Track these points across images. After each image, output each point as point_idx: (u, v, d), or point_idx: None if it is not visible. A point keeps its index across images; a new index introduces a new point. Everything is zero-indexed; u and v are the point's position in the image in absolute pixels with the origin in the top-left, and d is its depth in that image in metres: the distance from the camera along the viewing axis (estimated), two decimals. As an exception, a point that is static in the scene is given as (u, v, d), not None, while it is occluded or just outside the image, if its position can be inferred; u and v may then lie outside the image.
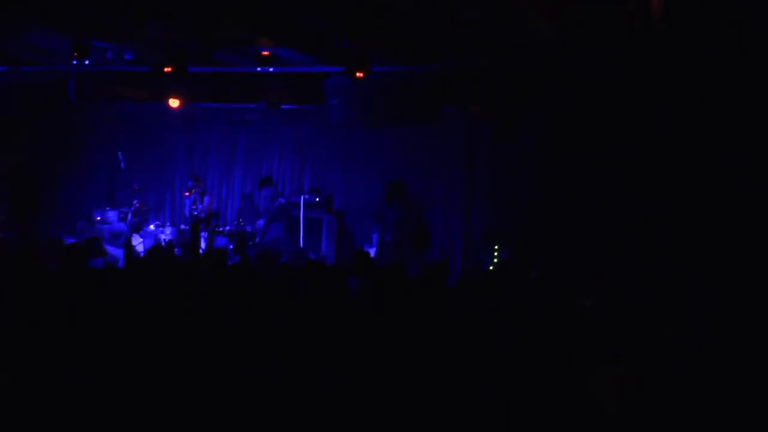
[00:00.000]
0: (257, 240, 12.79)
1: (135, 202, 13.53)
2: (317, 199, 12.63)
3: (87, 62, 11.27)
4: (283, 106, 12.56)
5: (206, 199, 13.18)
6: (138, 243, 12.75)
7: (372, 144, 12.80)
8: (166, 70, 11.15)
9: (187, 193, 13.19)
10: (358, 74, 10.52)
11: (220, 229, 12.95)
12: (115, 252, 11.55)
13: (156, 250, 9.50)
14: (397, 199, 11.57)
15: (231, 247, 12.63)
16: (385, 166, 12.45)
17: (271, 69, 11.29)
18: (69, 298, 6.11)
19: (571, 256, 10.14)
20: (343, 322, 5.98)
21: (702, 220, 8.48)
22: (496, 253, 11.58)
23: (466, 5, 8.42)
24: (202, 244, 12.69)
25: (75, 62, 11.27)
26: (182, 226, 13.20)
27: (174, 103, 12.36)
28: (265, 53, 10.91)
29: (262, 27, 9.94)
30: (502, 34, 9.27)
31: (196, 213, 12.98)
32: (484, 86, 10.95)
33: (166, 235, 13.03)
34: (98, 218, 13.54)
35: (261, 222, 12.95)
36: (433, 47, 10.28)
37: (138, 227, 13.22)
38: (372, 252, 11.57)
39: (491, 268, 11.60)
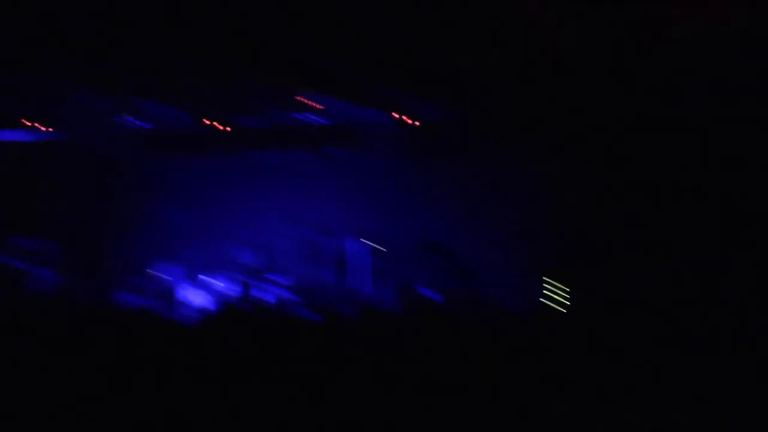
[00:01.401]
0: (311, 287, 12.83)
1: (188, 254, 13.66)
2: (364, 241, 12.66)
3: (135, 120, 11.49)
4: (329, 151, 12.64)
5: (257, 249, 13.25)
6: (195, 295, 12.88)
7: (413, 184, 12.79)
8: (213, 124, 11.31)
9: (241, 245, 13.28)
10: (404, 120, 10.60)
11: (277, 279, 13.04)
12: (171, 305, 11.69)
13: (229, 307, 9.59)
14: (432, 249, 11.58)
15: (286, 295, 12.71)
16: (432, 208, 12.44)
17: (317, 117, 11.39)
18: (136, 351, 6.20)
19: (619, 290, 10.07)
20: (398, 364, 5.97)
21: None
22: (545, 289, 11.52)
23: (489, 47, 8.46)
24: (257, 294, 12.81)
25: (124, 121, 11.50)
26: (237, 277, 13.26)
27: None
28: (311, 102, 11.03)
29: (303, 77, 10.06)
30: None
31: (249, 264, 13.08)
32: (528, 126, 10.96)
33: (221, 286, 13.10)
34: (156, 273, 13.67)
35: (314, 269, 12.99)
36: (467, 88, 10.33)
37: (194, 279, 13.36)
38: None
39: (541, 302, 11.54)
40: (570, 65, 8.98)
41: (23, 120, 12.68)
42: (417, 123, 10.92)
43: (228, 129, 11.43)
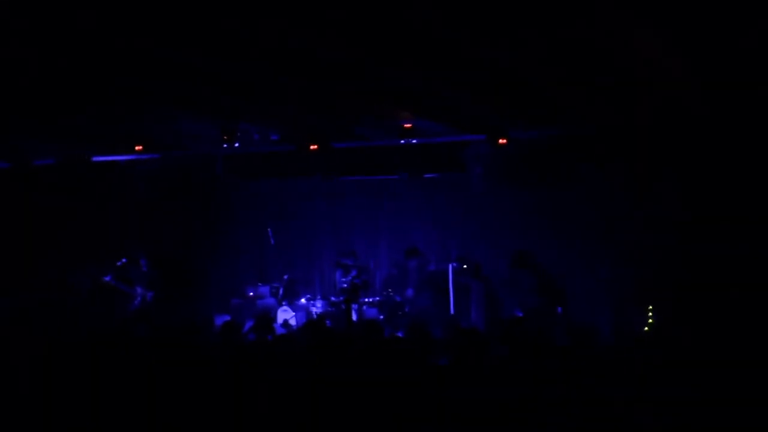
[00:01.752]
0: (406, 310, 12.82)
1: (285, 276, 13.83)
2: (464, 266, 12.55)
3: (236, 145, 11.68)
4: (424, 176, 12.62)
5: (353, 272, 13.31)
6: (290, 317, 12.99)
7: (514, 208, 12.71)
8: (311, 148, 11.43)
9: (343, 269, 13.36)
10: (500, 141, 10.51)
11: (369, 300, 13.06)
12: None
13: (309, 323, 9.61)
14: (525, 266, 11.39)
15: (381, 317, 12.70)
16: (528, 230, 12.32)
17: (413, 141, 11.41)
18: (235, 373, 6.25)
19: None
20: (494, 391, 5.88)
21: None
22: (650, 316, 11.27)
23: (598, 70, 8.33)
24: (354, 316, 12.84)
25: (225, 146, 11.69)
26: (332, 299, 13.34)
27: None
28: (407, 126, 11.05)
29: (402, 102, 10.07)
30: (635, 94, 9.12)
31: (345, 285, 13.14)
32: (622, 146, 10.79)
33: (317, 308, 13.20)
34: (251, 294, 13.85)
35: (410, 291, 12.99)
36: (571, 110, 10.20)
37: (290, 301, 13.49)
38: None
39: (646, 330, 11.28)
40: (665, 85, 8.80)
41: (126, 143, 13.00)
42: (513, 144, 10.85)
43: (327, 152, 11.52)
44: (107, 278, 12.67)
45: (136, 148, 12.98)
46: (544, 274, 11.20)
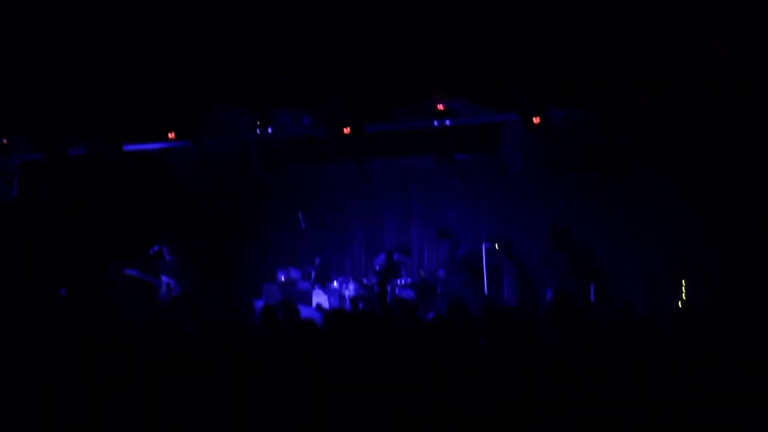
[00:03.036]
0: (439, 291, 12.86)
1: (317, 260, 13.88)
2: (497, 246, 12.57)
3: (269, 130, 11.73)
4: (457, 157, 12.64)
5: (388, 254, 13.34)
6: (323, 300, 13.05)
7: (547, 188, 12.69)
8: (344, 131, 11.46)
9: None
10: (534, 121, 10.52)
11: (402, 281, 13.09)
12: (303, 310, 11.80)
13: (333, 315, 9.64)
14: (563, 242, 11.40)
15: (415, 299, 12.73)
16: (562, 210, 12.31)
17: (446, 122, 11.42)
18: (269, 358, 6.27)
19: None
20: (537, 369, 5.89)
21: None
22: (683, 293, 11.28)
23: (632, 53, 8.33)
24: (387, 299, 12.89)
25: (257, 131, 11.74)
26: (365, 281, 13.39)
27: None
28: (440, 107, 11.06)
29: (436, 81, 10.10)
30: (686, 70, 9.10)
31: (378, 268, 13.18)
32: (660, 126, 10.76)
33: (350, 291, 13.24)
34: (282, 278, 13.89)
35: (441, 272, 13.02)
36: (606, 89, 10.20)
37: (322, 284, 13.54)
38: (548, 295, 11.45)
39: (679, 306, 11.30)
40: (709, 71, 8.79)
41: (159, 129, 13.07)
42: (548, 124, 10.83)
43: (359, 135, 11.55)
44: (133, 270, 12.74)
45: (169, 135, 13.05)
46: (581, 251, 11.21)
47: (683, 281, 11.34)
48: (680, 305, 11.33)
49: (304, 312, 11.55)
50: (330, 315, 9.12)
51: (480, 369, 6.00)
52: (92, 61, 9.25)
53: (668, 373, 5.62)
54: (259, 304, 12.11)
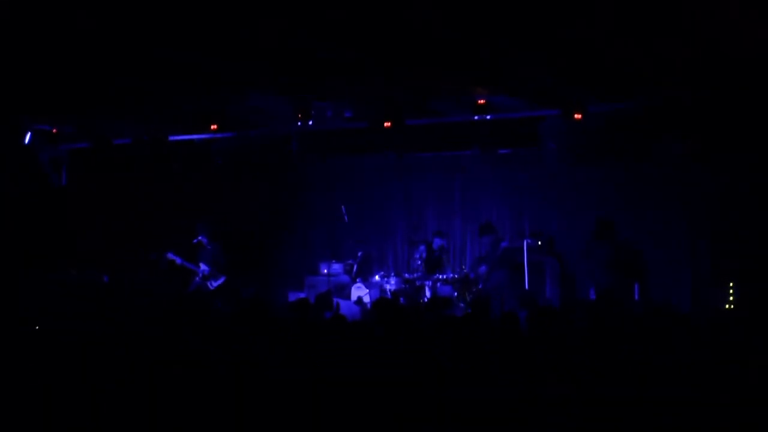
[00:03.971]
0: (480, 287, 12.76)
1: (359, 253, 13.89)
2: (539, 242, 12.43)
3: (310, 122, 11.73)
4: (498, 151, 12.52)
5: (421, 247, 13.31)
6: (364, 294, 13.05)
7: (588, 184, 12.58)
8: (384, 124, 11.42)
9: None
10: (575, 116, 10.37)
11: (443, 276, 13.03)
12: (342, 304, 11.81)
13: (379, 303, 9.63)
14: (605, 237, 11.20)
15: (455, 294, 12.67)
16: (602, 206, 12.15)
17: (487, 116, 11.32)
18: (301, 351, 6.26)
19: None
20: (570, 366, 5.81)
21: None
22: (731, 292, 11.05)
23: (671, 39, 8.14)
24: (427, 293, 12.83)
25: (299, 123, 11.75)
26: (406, 276, 13.36)
27: None
28: (480, 101, 10.97)
29: (477, 76, 10.01)
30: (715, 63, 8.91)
31: (419, 262, 13.14)
32: (702, 119, 10.54)
33: (391, 285, 13.22)
34: (325, 271, 13.93)
35: (483, 268, 12.92)
36: (648, 82, 10.01)
37: (364, 278, 13.55)
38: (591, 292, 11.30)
39: (727, 307, 11.07)
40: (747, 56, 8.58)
41: (201, 122, 13.17)
42: (589, 118, 10.67)
43: (400, 128, 11.50)
44: (175, 256, 12.92)
45: (212, 127, 13.15)
46: (624, 247, 11.02)
47: (731, 284, 11.12)
48: (727, 307, 11.14)
49: (344, 305, 11.63)
50: (377, 303, 9.15)
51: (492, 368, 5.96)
52: (139, 56, 9.38)
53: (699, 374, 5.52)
54: (301, 296, 12.25)
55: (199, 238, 13.12)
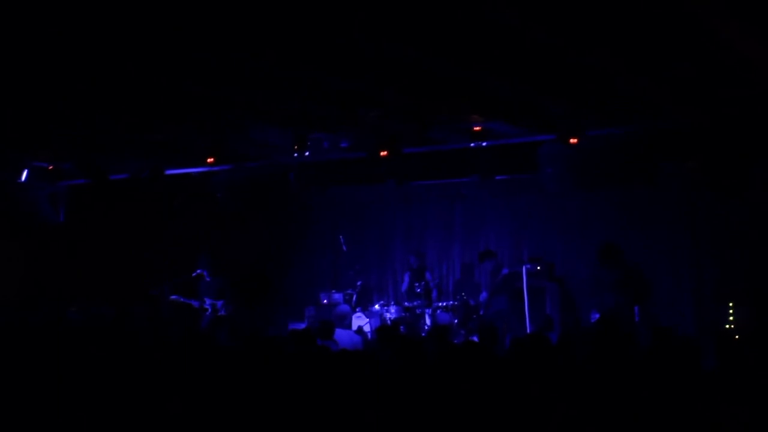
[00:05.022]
0: (481, 313, 12.75)
1: (359, 283, 13.88)
2: (539, 268, 12.43)
3: (306, 153, 11.73)
4: (496, 177, 12.54)
5: (427, 275, 13.33)
6: (364, 323, 13.03)
7: (588, 209, 12.63)
8: (381, 154, 11.43)
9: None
10: (571, 140, 10.38)
11: (443, 304, 13.03)
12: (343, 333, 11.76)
13: (382, 329, 9.60)
14: (612, 260, 11.18)
15: (455, 321, 12.65)
16: (603, 230, 12.18)
17: (484, 143, 11.35)
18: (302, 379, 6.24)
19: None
20: (573, 394, 5.78)
21: None
22: (731, 312, 11.05)
23: (675, 61, 8.15)
24: (427, 321, 12.81)
25: (295, 155, 11.76)
26: (406, 304, 13.34)
27: None
28: (477, 128, 10.99)
29: (473, 104, 10.02)
30: (716, 86, 8.92)
31: (419, 290, 13.13)
32: (703, 142, 10.55)
33: (391, 314, 13.20)
34: (325, 301, 13.92)
35: (484, 295, 12.93)
36: (646, 106, 10.02)
37: (364, 307, 13.54)
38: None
39: (727, 327, 11.06)
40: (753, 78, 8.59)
41: (198, 156, 13.17)
42: (587, 143, 10.68)
43: (398, 157, 11.51)
44: (175, 296, 12.90)
45: (208, 160, 13.14)
46: (630, 270, 11.01)
47: (730, 304, 11.12)
48: (727, 328, 11.12)
49: (345, 335, 11.57)
50: (380, 330, 9.11)
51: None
52: (133, 91, 9.37)
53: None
54: (301, 326, 12.22)
55: (200, 271, 13.09)
